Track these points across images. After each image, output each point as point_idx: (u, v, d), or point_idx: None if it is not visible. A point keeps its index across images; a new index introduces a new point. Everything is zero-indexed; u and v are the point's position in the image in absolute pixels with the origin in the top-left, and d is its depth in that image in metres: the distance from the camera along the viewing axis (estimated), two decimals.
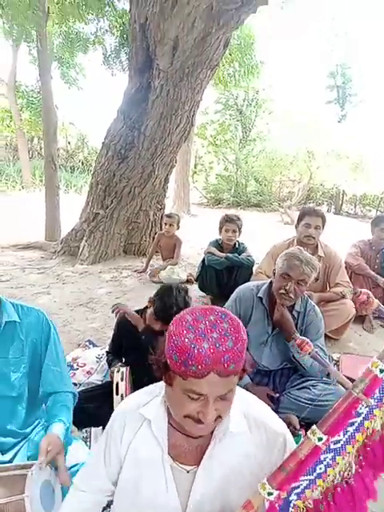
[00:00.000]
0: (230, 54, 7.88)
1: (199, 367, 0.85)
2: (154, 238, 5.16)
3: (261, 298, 2.29)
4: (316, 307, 2.36)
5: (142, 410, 1.07)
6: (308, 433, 0.90)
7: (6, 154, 14.41)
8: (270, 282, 2.30)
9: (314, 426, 0.90)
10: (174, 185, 10.84)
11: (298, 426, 1.98)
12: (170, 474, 1.04)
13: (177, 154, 5.43)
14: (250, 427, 1.05)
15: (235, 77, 9.38)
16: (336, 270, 3.25)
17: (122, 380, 1.95)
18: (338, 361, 2.94)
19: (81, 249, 5.19)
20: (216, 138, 16.07)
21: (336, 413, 0.89)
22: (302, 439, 0.91)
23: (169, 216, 4.80)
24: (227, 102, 15.61)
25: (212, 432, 1.02)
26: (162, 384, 1.03)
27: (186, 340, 0.86)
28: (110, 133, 5.06)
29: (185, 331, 0.87)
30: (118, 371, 1.99)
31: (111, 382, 2.15)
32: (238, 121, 15.87)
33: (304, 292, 2.24)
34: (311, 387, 2.19)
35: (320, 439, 0.88)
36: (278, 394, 2.21)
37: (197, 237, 7.50)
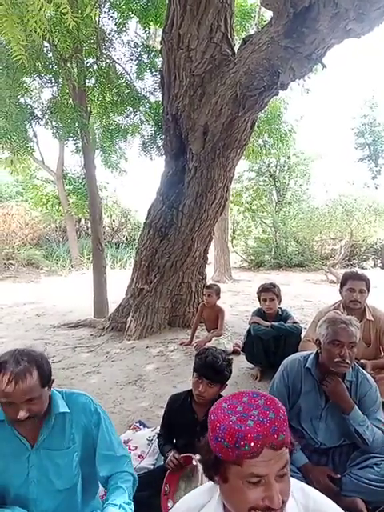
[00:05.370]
0: (258, 127, 8.00)
1: (252, 444, 0.85)
2: (197, 309, 5.21)
3: (309, 369, 2.20)
4: (368, 376, 2.23)
5: None
6: None
7: (56, 236, 15.39)
8: (317, 352, 2.23)
9: None
10: (214, 252, 11.03)
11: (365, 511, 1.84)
12: None
13: (214, 226, 5.64)
14: None
15: (266, 147, 9.73)
16: None
17: None
18: None
19: (128, 324, 5.31)
20: (252, 204, 16.49)
21: None
22: None
23: (208, 287, 4.88)
24: (260, 169, 16.18)
25: None
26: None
27: (231, 423, 0.88)
28: (150, 213, 5.39)
29: (226, 416, 0.90)
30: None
31: (164, 468, 2.10)
32: (271, 186, 16.30)
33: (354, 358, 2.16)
34: (375, 466, 2.01)
35: None
36: (338, 475, 2.07)
37: (240, 303, 7.51)
